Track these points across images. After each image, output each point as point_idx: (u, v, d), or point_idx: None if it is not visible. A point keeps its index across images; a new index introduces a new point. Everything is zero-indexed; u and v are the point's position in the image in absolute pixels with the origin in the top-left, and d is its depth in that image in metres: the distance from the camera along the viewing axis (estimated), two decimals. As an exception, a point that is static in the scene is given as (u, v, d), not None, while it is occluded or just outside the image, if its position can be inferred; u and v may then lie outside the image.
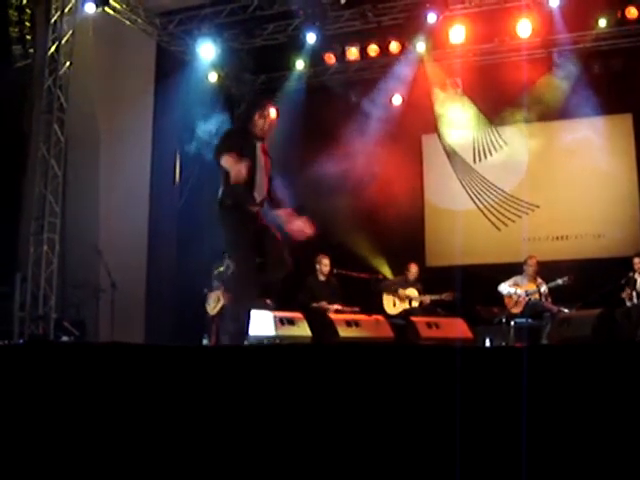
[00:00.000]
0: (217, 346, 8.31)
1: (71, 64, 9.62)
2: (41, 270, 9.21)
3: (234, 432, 3.07)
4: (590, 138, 11.12)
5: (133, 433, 3.24)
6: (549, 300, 9.41)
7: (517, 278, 9.71)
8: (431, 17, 10.10)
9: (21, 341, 8.57)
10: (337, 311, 9.27)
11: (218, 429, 3.10)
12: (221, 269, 9.44)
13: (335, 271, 9.81)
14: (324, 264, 9.76)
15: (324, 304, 9.39)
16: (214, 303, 9.28)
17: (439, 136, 12.16)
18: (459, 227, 11.52)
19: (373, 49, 11.21)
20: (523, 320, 9.38)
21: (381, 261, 11.38)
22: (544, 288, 9.44)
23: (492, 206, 11.78)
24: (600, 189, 11.05)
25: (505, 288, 9.65)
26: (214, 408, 3.15)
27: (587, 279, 9.28)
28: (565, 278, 9.25)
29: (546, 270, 9.72)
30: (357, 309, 9.27)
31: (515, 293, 9.55)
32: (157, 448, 3.17)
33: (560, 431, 2.69)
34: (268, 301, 9.12)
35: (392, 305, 10.05)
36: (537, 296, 9.44)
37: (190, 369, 3.38)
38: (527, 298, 9.47)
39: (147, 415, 3.28)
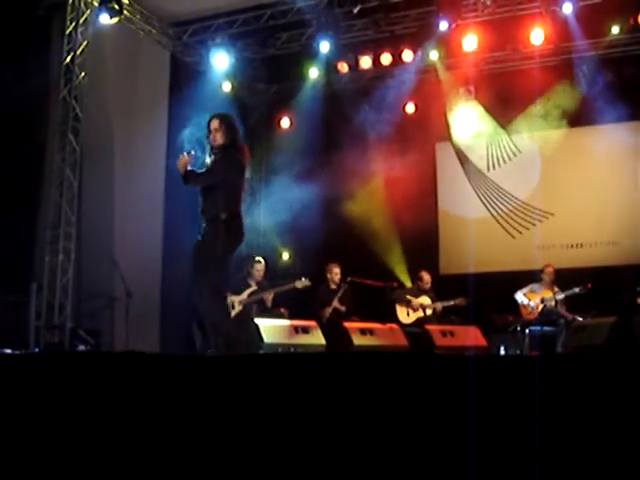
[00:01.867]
0: (232, 355, 8.33)
1: (86, 75, 9.70)
2: (57, 279, 9.27)
3: (250, 441, 3.08)
4: (604, 145, 11.07)
5: (149, 441, 3.26)
6: (564, 308, 9.39)
7: (534, 285, 9.69)
8: (443, 25, 10.09)
9: (37, 350, 8.61)
10: (334, 310, 9.39)
11: (234, 437, 3.11)
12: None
13: (349, 279, 9.80)
14: (334, 273, 9.77)
15: (328, 310, 9.41)
16: (229, 309, 9.27)
17: (452, 144, 12.16)
18: (473, 235, 11.48)
19: (386, 58, 11.21)
20: (538, 328, 9.35)
21: (395, 269, 11.37)
22: (561, 296, 9.41)
23: (506, 214, 11.74)
24: (614, 196, 10.99)
25: (520, 297, 9.64)
26: (230, 416, 3.16)
27: (602, 287, 9.24)
28: (582, 286, 9.23)
29: (560, 278, 9.70)
30: (355, 317, 9.31)
31: (529, 304, 9.53)
32: (173, 456, 3.18)
33: (574, 440, 2.68)
34: (282, 310, 9.14)
35: (406, 314, 10.03)
36: (553, 303, 9.42)
37: (205, 378, 3.40)
38: (543, 305, 9.45)
39: (163, 423, 3.29)
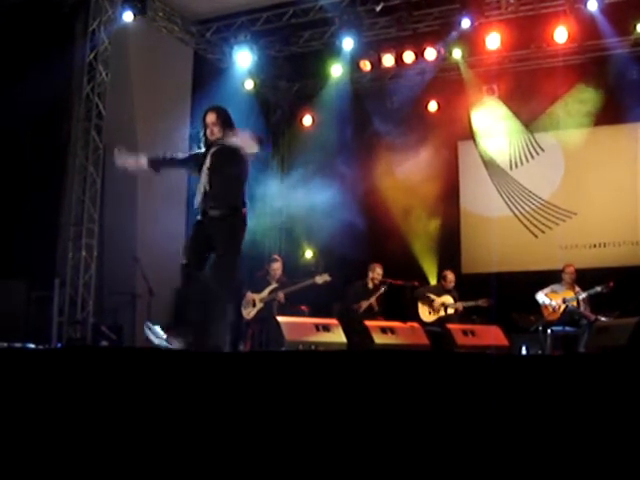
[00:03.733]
0: (252, 352, 8.35)
1: (109, 72, 9.76)
2: (79, 275, 9.35)
3: (272, 438, 3.08)
4: (627, 144, 11.02)
5: (171, 437, 3.27)
6: (588, 308, 9.31)
7: (555, 286, 9.61)
8: (465, 22, 10.06)
9: (59, 345, 8.68)
10: (370, 307, 9.51)
11: (256, 435, 3.11)
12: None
13: (388, 281, 9.82)
14: (377, 272, 9.79)
15: (364, 303, 9.47)
16: (250, 307, 9.29)
17: (475, 142, 12.11)
18: (495, 234, 11.45)
19: (409, 56, 11.17)
20: (560, 328, 9.29)
21: (416, 268, 11.35)
22: (583, 295, 9.34)
23: (529, 213, 11.68)
24: (638, 196, 10.91)
25: (541, 297, 9.56)
26: (252, 414, 3.17)
27: (625, 287, 9.16)
28: (604, 285, 9.15)
29: (583, 278, 9.62)
30: (380, 317, 9.36)
31: (550, 304, 9.46)
32: (195, 453, 3.19)
33: (596, 441, 2.67)
34: (303, 308, 9.15)
35: (427, 313, 10.01)
36: (575, 303, 9.35)
37: (227, 375, 3.41)
38: (565, 305, 9.39)
39: (184, 419, 3.30)
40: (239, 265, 5.87)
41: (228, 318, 5.94)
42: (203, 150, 5.79)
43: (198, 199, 5.68)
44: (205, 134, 5.75)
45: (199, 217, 5.77)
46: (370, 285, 9.81)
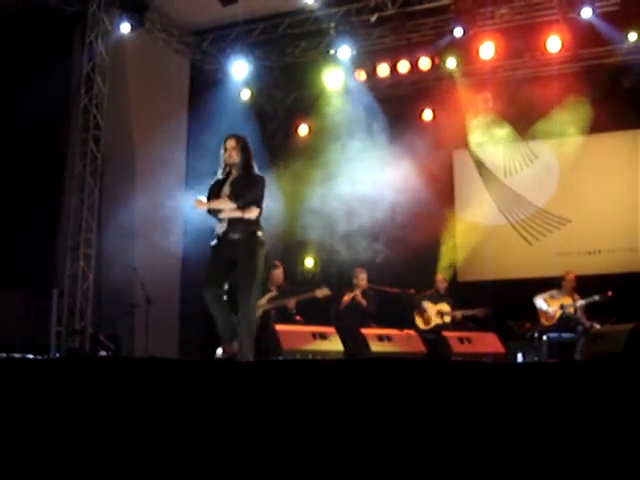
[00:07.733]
0: (249, 361, 8.36)
1: (106, 83, 9.80)
2: (77, 285, 9.36)
3: (269, 447, 3.11)
4: (622, 152, 11.07)
5: (169, 446, 3.30)
6: (584, 316, 9.32)
7: (554, 292, 9.63)
8: (458, 31, 10.11)
9: (57, 355, 8.69)
10: (355, 303, 9.58)
11: (254, 444, 3.14)
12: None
13: (367, 286, 9.83)
14: (360, 278, 9.79)
15: (349, 295, 9.58)
16: None
17: (470, 151, 12.16)
18: (490, 242, 11.49)
19: (403, 65, 11.23)
20: (556, 335, 9.32)
21: (412, 276, 11.35)
22: (581, 303, 9.36)
23: (523, 220, 11.72)
24: (633, 203, 10.96)
25: (539, 302, 9.57)
26: (250, 423, 3.20)
27: (620, 293, 9.20)
28: (602, 294, 9.17)
29: (579, 285, 9.66)
30: (374, 324, 9.37)
31: (547, 310, 9.49)
32: (193, 462, 3.22)
33: (595, 449, 2.69)
34: (298, 317, 9.15)
35: (423, 321, 10.02)
36: (572, 310, 9.38)
37: (224, 384, 3.43)
38: (562, 311, 9.41)
39: (182, 429, 3.33)
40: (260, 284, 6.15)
41: None
42: (220, 177, 6.08)
43: (223, 225, 6.00)
44: (224, 158, 6.05)
45: (215, 241, 6.12)
46: (357, 291, 9.81)
